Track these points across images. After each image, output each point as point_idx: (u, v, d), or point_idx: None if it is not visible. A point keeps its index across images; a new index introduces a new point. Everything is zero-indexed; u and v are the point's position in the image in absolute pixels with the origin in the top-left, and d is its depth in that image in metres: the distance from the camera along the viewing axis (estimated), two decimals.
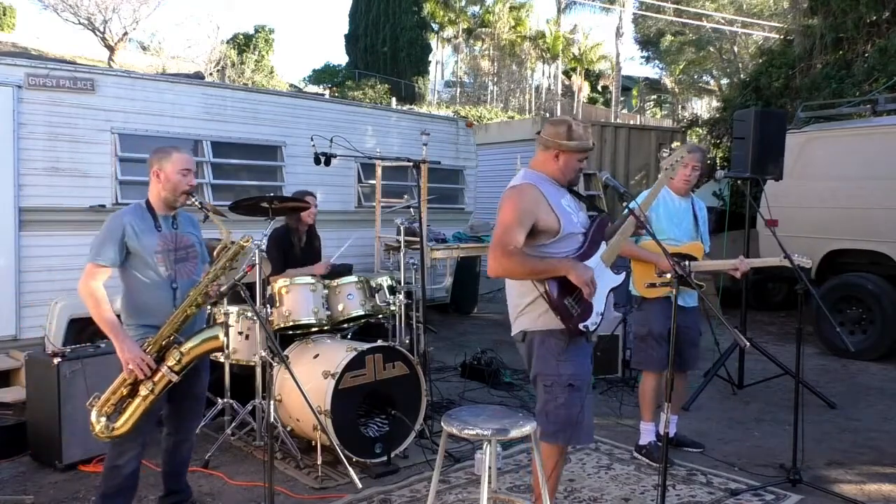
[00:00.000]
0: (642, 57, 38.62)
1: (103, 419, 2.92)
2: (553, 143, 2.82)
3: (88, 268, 2.97)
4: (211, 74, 23.39)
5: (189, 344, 2.98)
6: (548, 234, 2.76)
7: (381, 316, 4.67)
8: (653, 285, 3.97)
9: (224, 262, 3.04)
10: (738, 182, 6.85)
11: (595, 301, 2.76)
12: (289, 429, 4.09)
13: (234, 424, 4.26)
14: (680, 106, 31.02)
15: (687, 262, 4.01)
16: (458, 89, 34.74)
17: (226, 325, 3.03)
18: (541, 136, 2.89)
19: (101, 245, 2.97)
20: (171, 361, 2.93)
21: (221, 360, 4.36)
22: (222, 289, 3.27)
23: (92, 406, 2.95)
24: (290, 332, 4.42)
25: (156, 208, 3.09)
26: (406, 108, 22.88)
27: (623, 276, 2.93)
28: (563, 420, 2.79)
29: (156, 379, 2.92)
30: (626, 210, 2.87)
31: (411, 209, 5.49)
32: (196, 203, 3.08)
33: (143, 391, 2.91)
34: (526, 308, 2.86)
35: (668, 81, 30.57)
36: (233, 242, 3.10)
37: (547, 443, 2.87)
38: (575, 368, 2.78)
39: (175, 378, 2.93)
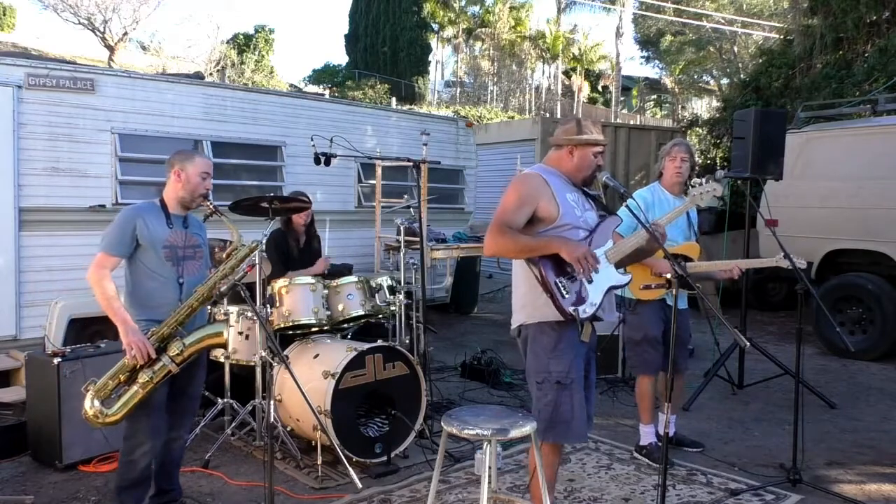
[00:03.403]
0: (642, 57, 38.65)
1: (97, 403, 2.96)
2: (564, 140, 2.88)
3: (99, 257, 3.06)
4: (211, 74, 23.38)
5: (192, 337, 3.07)
6: (546, 221, 2.77)
7: (381, 316, 4.67)
8: (648, 287, 3.97)
9: (234, 263, 3.17)
10: (738, 182, 6.85)
11: (591, 290, 2.74)
12: (289, 429, 4.09)
13: (234, 424, 4.26)
14: (680, 106, 30.99)
15: (683, 263, 4.01)
16: (458, 89, 34.73)
17: (227, 323, 3.16)
18: (552, 138, 2.96)
19: (113, 236, 3.08)
20: (173, 352, 3.00)
21: (221, 359, 4.36)
22: (222, 289, 3.28)
23: (87, 390, 2.99)
24: (290, 332, 4.42)
25: (170, 207, 3.21)
26: (406, 108, 22.89)
27: (629, 277, 2.91)
28: (552, 418, 2.78)
29: (156, 368, 2.97)
30: (633, 218, 2.86)
31: (411, 209, 5.49)
32: (210, 205, 3.20)
33: (142, 378, 2.96)
34: (523, 302, 2.87)
35: (668, 81, 30.55)
36: (242, 245, 3.25)
37: (539, 440, 2.87)
38: (564, 366, 2.76)
39: (175, 369, 3.00)
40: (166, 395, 3.13)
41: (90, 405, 2.97)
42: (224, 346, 3.11)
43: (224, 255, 3.26)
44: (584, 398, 2.83)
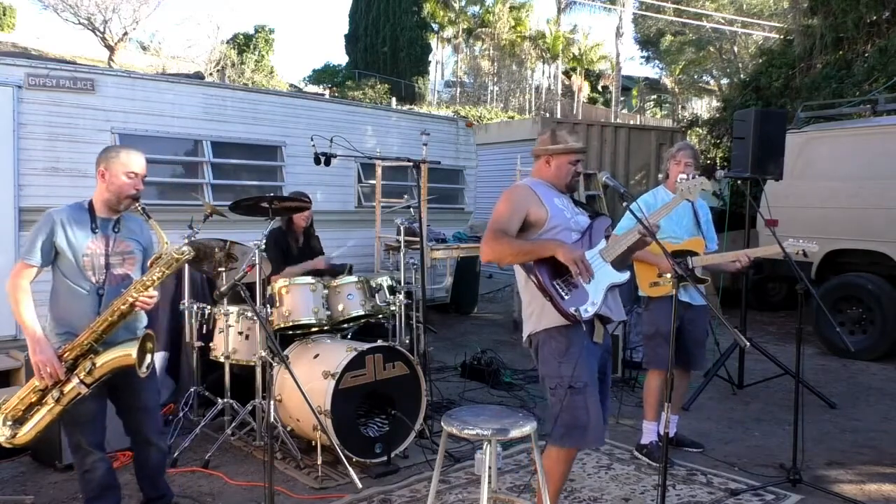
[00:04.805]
0: (642, 57, 38.61)
1: (8, 423, 2.79)
2: (541, 150, 2.99)
3: (18, 265, 2.86)
4: (211, 74, 23.39)
5: (103, 357, 2.80)
6: (537, 225, 2.83)
7: (381, 316, 4.67)
8: (655, 284, 4.03)
9: (158, 273, 2.87)
10: (738, 182, 6.85)
11: (590, 290, 2.75)
12: (289, 429, 4.09)
13: (234, 424, 4.25)
14: (680, 106, 31.01)
15: (689, 258, 4.04)
16: (458, 89, 34.74)
17: (143, 341, 2.83)
18: (533, 149, 3.04)
19: (31, 242, 2.85)
20: (82, 373, 2.76)
21: (221, 359, 4.36)
22: (222, 289, 3.25)
23: None
24: (290, 332, 4.42)
25: (97, 209, 2.94)
26: (406, 108, 22.89)
27: (627, 274, 2.92)
28: (567, 423, 2.78)
29: (65, 389, 2.75)
30: (636, 221, 2.87)
31: (411, 209, 5.48)
32: (139, 209, 2.92)
33: (49, 400, 2.76)
34: (530, 311, 2.90)
35: (668, 81, 30.56)
36: (177, 247, 2.94)
37: (555, 446, 2.86)
38: (575, 370, 2.76)
39: (84, 390, 2.75)
40: (100, 408, 2.93)
41: (1, 425, 2.80)
42: (133, 366, 2.77)
43: (149, 264, 2.99)
44: (599, 401, 2.83)
